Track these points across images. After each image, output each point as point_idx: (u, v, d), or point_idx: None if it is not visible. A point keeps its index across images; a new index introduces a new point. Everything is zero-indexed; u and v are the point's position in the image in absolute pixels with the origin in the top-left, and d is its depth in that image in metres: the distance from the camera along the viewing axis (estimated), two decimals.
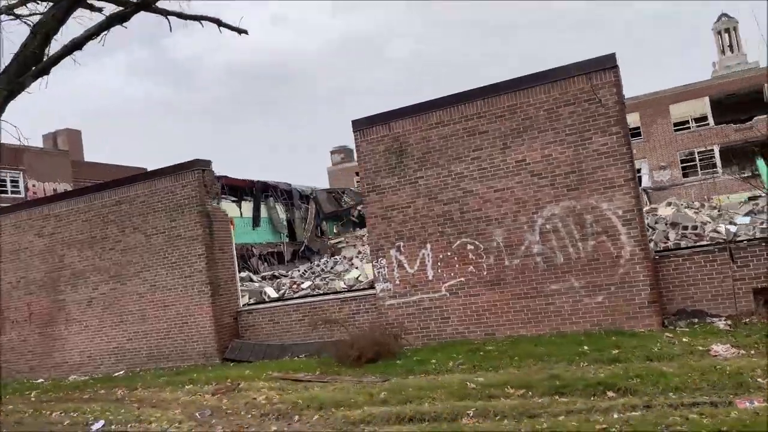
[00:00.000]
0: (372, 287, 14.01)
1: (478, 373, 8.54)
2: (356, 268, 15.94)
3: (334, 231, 40.08)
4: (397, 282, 11.81)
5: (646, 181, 39.71)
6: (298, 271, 20.11)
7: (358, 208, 39.19)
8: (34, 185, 40.01)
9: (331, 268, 18.68)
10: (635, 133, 39.26)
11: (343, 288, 14.56)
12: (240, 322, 14.31)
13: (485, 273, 11.05)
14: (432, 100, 11.64)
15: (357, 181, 42.17)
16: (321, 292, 15.09)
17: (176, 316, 14.13)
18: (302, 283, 16.61)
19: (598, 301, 10.18)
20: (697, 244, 12.92)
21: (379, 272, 11.99)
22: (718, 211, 17.15)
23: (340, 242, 38.66)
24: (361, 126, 12.24)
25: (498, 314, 10.92)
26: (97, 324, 15.26)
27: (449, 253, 11.36)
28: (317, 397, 8.40)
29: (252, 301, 15.20)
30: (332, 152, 61.50)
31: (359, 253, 21.75)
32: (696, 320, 9.94)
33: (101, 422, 9.48)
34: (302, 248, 33.52)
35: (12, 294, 16.57)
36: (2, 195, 37.11)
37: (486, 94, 11.11)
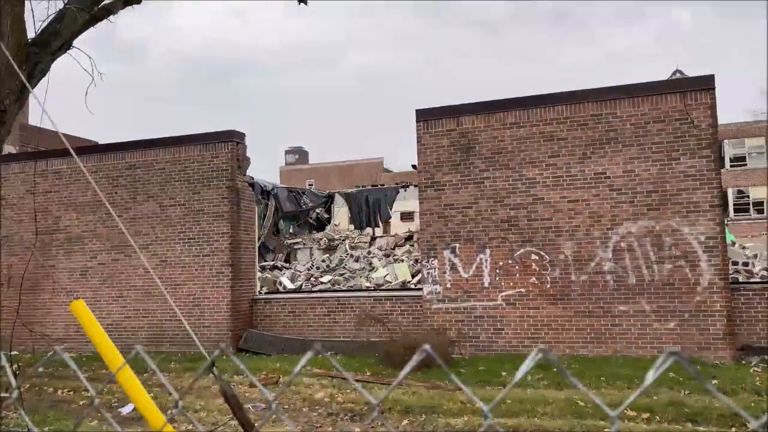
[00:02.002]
0: (405, 288, 13.56)
1: (565, 390, 8.19)
2: (378, 267, 15.43)
3: (290, 231, 39.35)
4: (448, 286, 11.39)
5: None
6: (300, 265, 19.36)
7: (317, 210, 38.73)
8: None
9: (337, 265, 18.04)
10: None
11: (369, 287, 14.02)
12: (255, 311, 13.57)
13: (548, 286, 10.76)
14: (510, 99, 11.34)
15: (414, 180, 41.28)
16: (345, 288, 14.50)
17: (187, 296, 13.27)
18: (321, 276, 15.95)
19: (669, 328, 10.03)
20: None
21: (428, 273, 11.54)
22: (745, 250, 17.58)
23: (296, 243, 38.03)
24: (425, 116, 11.81)
25: (558, 331, 10.64)
26: (91, 296, 14.20)
27: (510, 261, 11.03)
28: (399, 399, 7.88)
29: (264, 290, 14.45)
30: (287, 152, 60.44)
31: (369, 252, 21.12)
32: (766, 357, 9.91)
33: (131, 406, 8.66)
34: (258, 245, 32.57)
35: None
36: None
37: (570, 99, 10.88)
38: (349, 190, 37.51)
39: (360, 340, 12.07)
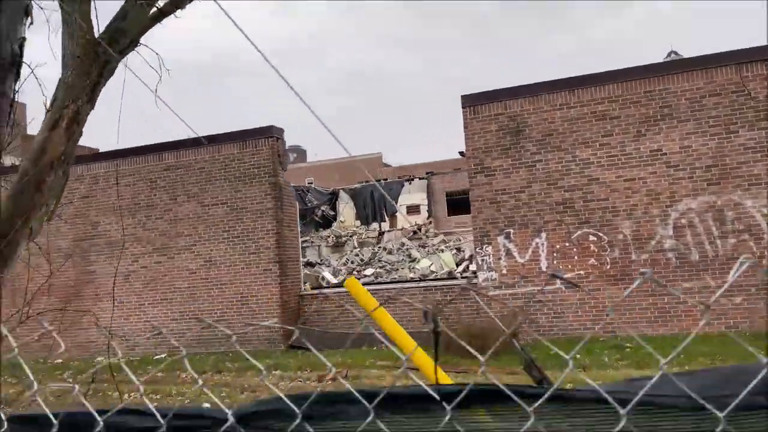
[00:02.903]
0: (452, 277, 13.54)
1: (647, 370, 8.16)
2: (418, 258, 15.46)
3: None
4: (504, 272, 11.36)
5: None
6: (332, 260, 19.32)
7: (322, 208, 38.71)
8: None
9: (371, 259, 18.02)
10: None
11: (414, 278, 14.02)
12: (302, 308, 13.55)
13: (608, 267, 10.73)
14: (558, 80, 11.29)
15: (462, 164, 41.14)
16: (388, 280, 14.49)
17: (235, 296, 13.26)
18: (363, 269, 15.95)
19: (737, 303, 10.00)
20: None
21: (483, 260, 11.51)
22: None
23: (304, 241, 38.06)
24: (472, 102, 11.76)
25: (620, 311, 10.61)
26: (135, 301, 14.18)
27: (567, 244, 11.00)
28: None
29: (307, 286, 14.45)
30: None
31: (403, 245, 21.09)
32: None
33: (206, 406, 8.64)
34: None
35: (30, 262, 15.23)
36: None
37: (621, 77, 10.83)
38: (354, 186, 37.51)
39: (413, 331, 12.04)
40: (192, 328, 13.67)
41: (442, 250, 16.49)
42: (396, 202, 39.37)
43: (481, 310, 11.57)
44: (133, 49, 7.64)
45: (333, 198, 36.38)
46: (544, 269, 11.13)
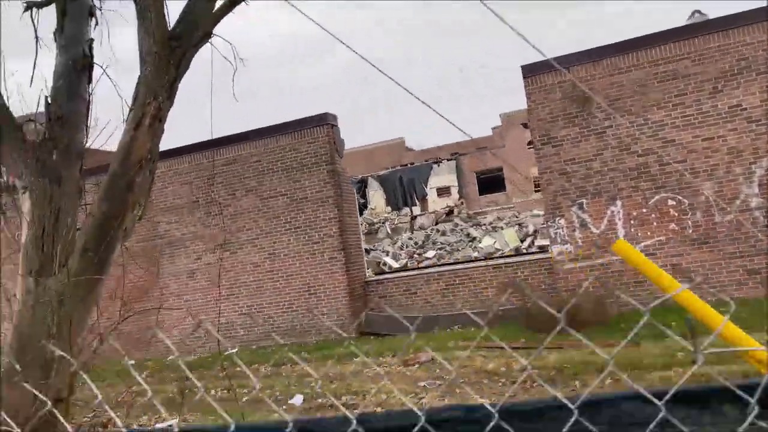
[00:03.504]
0: (519, 253, 13.30)
1: (754, 334, 7.82)
2: (477, 237, 15.25)
3: None
4: (579, 243, 11.07)
5: None
6: (386, 246, 19.23)
7: None
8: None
9: (424, 242, 17.84)
10: None
11: (478, 257, 13.82)
12: (368, 294, 13.46)
13: (690, 231, 10.36)
14: (620, 43, 10.91)
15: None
16: (452, 261, 14.31)
17: (302, 286, 13.24)
18: (425, 252, 15.80)
19: None
20: None
21: (556, 233, 11.24)
22: None
23: None
24: (533, 72, 11.43)
25: (706, 276, 10.24)
26: (200, 297, 14.27)
27: (645, 210, 10.65)
28: (588, 361, 7.65)
29: (369, 271, 14.37)
30: None
31: (456, 225, 20.89)
32: None
33: (299, 396, 8.62)
34: None
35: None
36: None
37: (690, 33, 10.38)
38: (381, 172, 37.25)
39: (486, 310, 11.87)
40: (259, 321, 13.70)
41: (502, 228, 16.22)
42: (425, 185, 39.07)
43: (557, 286, 11.33)
44: (207, 41, 7.52)
45: (362, 185, 36.24)
46: (621, 238, 10.79)
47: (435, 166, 41.98)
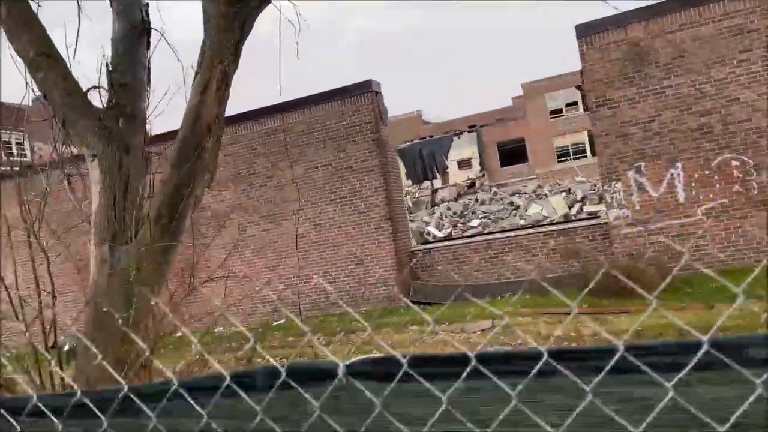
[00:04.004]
0: (569, 220, 13.07)
1: None
2: (521, 205, 15.06)
3: None
4: (637, 207, 10.82)
5: None
6: (425, 216, 19.11)
7: None
8: (40, 147, 38.55)
9: (463, 211, 17.67)
10: None
11: (525, 224, 13.62)
12: (414, 263, 13.36)
13: (755, 192, 10.05)
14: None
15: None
16: (498, 229, 14.13)
17: (348, 256, 13.17)
18: (470, 221, 15.64)
19: None
20: None
21: (612, 198, 10.98)
22: None
23: None
24: (587, 31, 11.08)
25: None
26: (247, 270, 14.28)
27: (707, 172, 10.35)
28: (662, 324, 7.46)
29: (413, 241, 14.27)
30: None
31: (495, 194, 20.67)
32: None
33: None
34: None
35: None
36: (10, 158, 35.61)
37: None
38: (401, 146, 36.91)
39: (537, 278, 11.71)
40: (306, 292, 13.70)
41: (546, 195, 15.96)
42: (446, 158, 38.68)
43: (614, 252, 11.12)
44: (269, 2, 7.33)
45: None
46: (681, 201, 10.53)
47: (455, 138, 41.52)
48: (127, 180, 6.50)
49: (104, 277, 6.21)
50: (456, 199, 22.50)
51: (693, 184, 10.46)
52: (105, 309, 5.98)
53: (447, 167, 38.15)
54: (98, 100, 6.46)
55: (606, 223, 11.22)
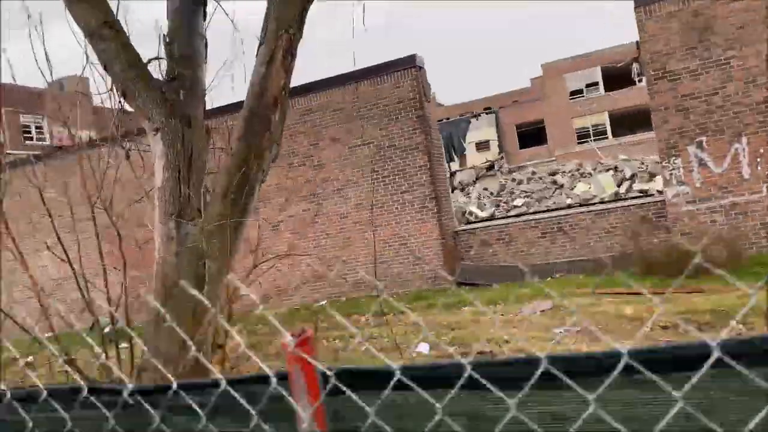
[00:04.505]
0: (619, 198, 12.73)
1: None
2: (563, 184, 14.73)
3: None
4: (698, 185, 10.46)
5: None
6: (461, 197, 18.81)
7: None
8: (59, 131, 38.48)
9: (500, 191, 17.34)
10: None
11: (571, 203, 13.31)
12: (459, 243, 13.13)
13: None
14: None
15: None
16: (544, 208, 13.83)
17: (392, 237, 12.95)
18: (513, 200, 15.36)
19: None
20: None
21: (671, 174, 10.63)
22: None
23: None
24: (646, 1, 10.65)
25: None
26: (285, 251, 14.13)
27: None
28: (734, 305, 7.18)
29: (454, 221, 14.01)
30: None
31: (534, 173, 20.30)
32: None
33: (426, 345, 8.38)
34: None
35: None
36: (27, 142, 35.69)
37: None
38: None
39: (587, 258, 11.44)
40: (350, 274, 13.52)
41: (590, 174, 15.59)
42: (464, 140, 38.06)
43: (672, 230, 10.79)
44: None
45: None
46: (746, 177, 10.16)
47: (473, 120, 40.88)
48: (190, 154, 6.30)
49: (171, 254, 6.04)
50: (474, 182, 22.11)
51: (758, 160, 10.07)
52: (175, 287, 5.81)
53: (465, 150, 37.55)
54: (157, 72, 6.27)
55: (662, 201, 10.88)
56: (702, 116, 10.37)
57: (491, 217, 14.02)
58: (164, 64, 6.27)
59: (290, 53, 6.05)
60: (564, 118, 40.41)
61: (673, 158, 10.61)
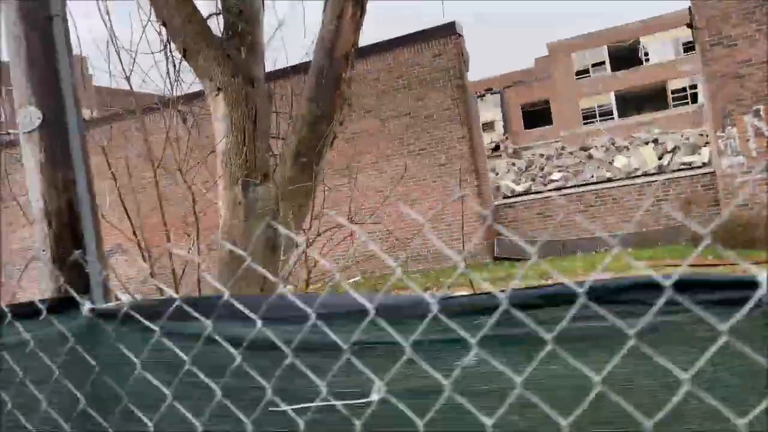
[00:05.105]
0: (664, 171, 12.46)
1: None
2: (599, 158, 14.44)
3: None
4: (754, 155, 10.15)
5: (702, 98, 36.34)
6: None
7: None
8: None
9: (527, 167, 17.01)
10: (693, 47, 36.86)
11: (611, 177, 13.02)
12: (498, 217, 12.87)
13: None
14: None
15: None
16: (581, 182, 13.54)
17: (428, 211, 12.68)
18: (550, 174, 15.05)
19: None
20: None
21: (726, 144, 10.33)
22: None
23: None
24: None
25: None
26: (321, 226, 13.88)
27: None
28: None
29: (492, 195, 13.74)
30: None
31: (563, 148, 19.96)
32: None
33: None
34: None
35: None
36: None
37: None
38: None
39: (631, 232, 11.18)
40: (383, 249, 13.26)
41: (627, 148, 15.25)
42: None
43: (724, 202, 10.52)
44: None
45: None
46: None
47: (478, 100, 40.38)
48: (255, 115, 6.04)
49: (239, 221, 5.80)
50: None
51: None
52: (245, 254, 5.57)
53: None
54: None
55: (711, 172, 10.60)
56: (758, 83, 10.04)
57: (527, 191, 13.74)
58: (222, 21, 5.99)
59: (360, 8, 5.75)
60: (569, 98, 40.02)
61: (729, 127, 10.30)
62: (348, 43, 5.70)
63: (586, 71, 39.92)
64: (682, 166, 12.11)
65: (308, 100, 5.79)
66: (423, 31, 12.45)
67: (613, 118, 38.72)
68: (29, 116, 2.31)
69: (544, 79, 41.20)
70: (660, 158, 13.28)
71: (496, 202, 12.98)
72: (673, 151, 13.15)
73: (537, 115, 41.44)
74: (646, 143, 14.55)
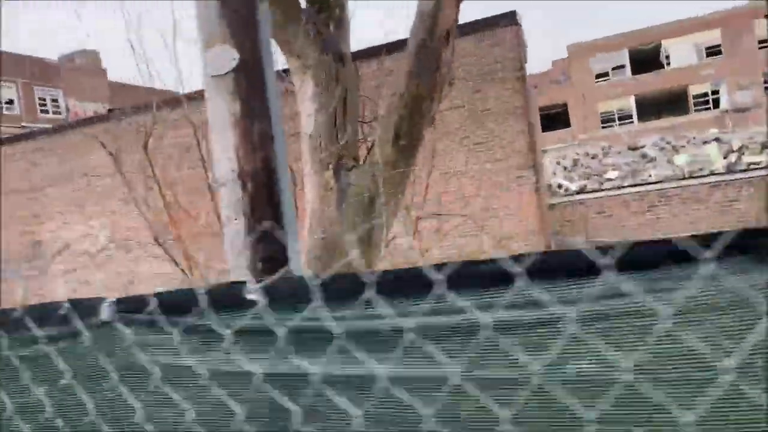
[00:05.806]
0: (733, 170, 11.97)
1: None
2: (655, 157, 13.99)
3: None
4: None
5: (724, 103, 35.56)
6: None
7: None
8: (75, 104, 38.01)
9: (573, 165, 16.59)
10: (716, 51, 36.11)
11: (672, 176, 12.56)
12: (555, 216, 12.44)
13: None
14: None
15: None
16: (639, 181, 13.09)
17: (482, 210, 12.27)
18: (605, 172, 14.60)
19: None
20: None
21: None
22: None
23: None
24: None
25: None
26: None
27: None
28: None
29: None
30: None
31: (610, 147, 19.45)
32: None
33: None
34: None
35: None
36: (43, 115, 35.36)
37: None
38: None
39: (715, 231, 10.69)
40: (433, 247, 12.89)
41: (684, 146, 14.74)
42: None
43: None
44: None
45: None
46: None
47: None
48: (345, 95, 5.69)
49: (330, 207, 5.44)
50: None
51: None
52: (337, 241, 5.23)
53: None
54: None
55: None
56: None
57: (582, 190, 13.29)
58: None
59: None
60: (588, 101, 39.53)
61: None
62: (449, 19, 5.32)
63: (606, 74, 39.50)
64: (747, 166, 11.63)
65: (408, 76, 5.40)
66: (482, 20, 12.03)
67: (632, 122, 38.20)
68: (222, 56, 1.93)
69: (563, 81, 40.83)
70: (724, 157, 12.79)
71: (556, 201, 12.55)
72: (740, 150, 12.67)
73: (554, 118, 41.02)
74: (704, 143, 14.03)
